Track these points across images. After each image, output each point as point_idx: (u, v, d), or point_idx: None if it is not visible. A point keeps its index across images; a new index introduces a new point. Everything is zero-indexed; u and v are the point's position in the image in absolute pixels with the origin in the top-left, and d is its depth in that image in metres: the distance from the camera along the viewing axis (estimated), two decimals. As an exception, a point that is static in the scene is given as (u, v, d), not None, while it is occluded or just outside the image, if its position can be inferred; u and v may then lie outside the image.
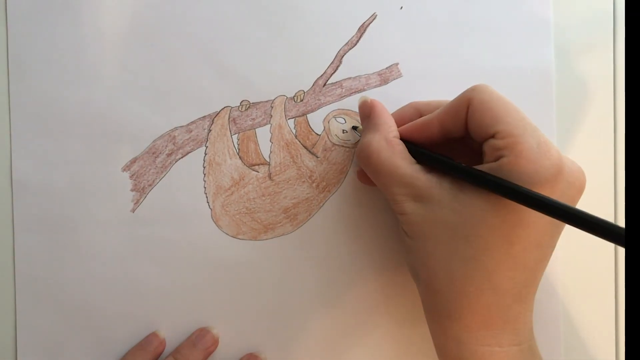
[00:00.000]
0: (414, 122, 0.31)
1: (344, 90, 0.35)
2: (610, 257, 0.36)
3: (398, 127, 0.31)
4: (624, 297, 0.35)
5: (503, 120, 0.27)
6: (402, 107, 0.33)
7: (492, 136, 0.27)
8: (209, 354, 0.34)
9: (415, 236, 0.29)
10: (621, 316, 0.36)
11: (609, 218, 0.36)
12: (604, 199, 0.36)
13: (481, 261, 0.27)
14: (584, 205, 0.35)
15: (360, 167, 0.34)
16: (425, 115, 0.31)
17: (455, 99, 0.29)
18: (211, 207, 0.35)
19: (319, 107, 0.35)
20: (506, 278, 0.27)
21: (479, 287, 0.27)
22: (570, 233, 0.35)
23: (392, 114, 0.32)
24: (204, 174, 0.35)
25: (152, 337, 0.35)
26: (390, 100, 0.34)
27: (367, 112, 0.32)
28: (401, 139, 0.31)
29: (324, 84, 0.35)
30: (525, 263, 0.27)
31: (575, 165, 0.28)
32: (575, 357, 0.36)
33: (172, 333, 0.35)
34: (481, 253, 0.27)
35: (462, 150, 0.30)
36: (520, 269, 0.27)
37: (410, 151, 0.30)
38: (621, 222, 0.36)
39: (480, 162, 0.28)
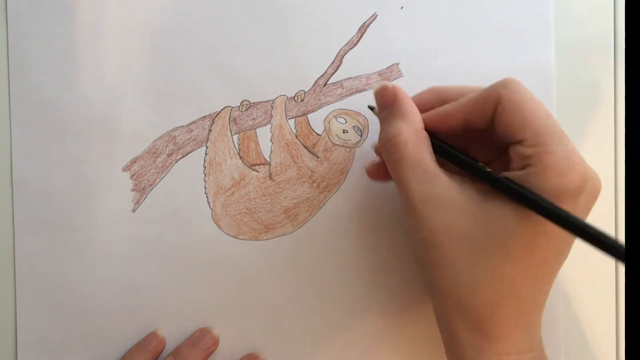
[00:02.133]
0: (436, 111, 0.29)
1: (344, 90, 0.35)
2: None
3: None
4: (623, 297, 0.35)
5: (532, 127, 0.26)
6: (423, 92, 0.31)
7: (520, 142, 0.26)
8: (209, 354, 0.34)
9: (432, 245, 0.27)
10: (621, 317, 0.36)
11: (609, 219, 0.36)
12: (604, 199, 0.36)
13: (504, 272, 0.26)
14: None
15: (371, 162, 0.33)
16: (448, 101, 0.29)
17: (483, 92, 0.27)
18: (212, 207, 0.35)
19: (320, 107, 0.35)
20: (527, 287, 0.26)
21: (502, 298, 0.26)
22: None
23: (412, 99, 0.30)
24: (205, 174, 0.35)
25: (151, 336, 0.35)
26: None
27: (390, 99, 0.29)
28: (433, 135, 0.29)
29: (325, 84, 0.35)
30: (544, 271, 0.27)
31: (594, 172, 0.26)
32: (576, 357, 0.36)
33: (172, 333, 0.35)
34: (504, 263, 0.26)
35: (482, 141, 0.29)
36: (540, 277, 0.27)
37: (434, 146, 0.28)
38: (621, 224, 0.36)
39: (500, 154, 0.28)
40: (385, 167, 0.30)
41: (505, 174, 0.26)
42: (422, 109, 0.30)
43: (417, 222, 0.27)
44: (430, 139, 0.29)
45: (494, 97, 0.27)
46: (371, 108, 0.33)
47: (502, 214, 0.26)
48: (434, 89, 0.31)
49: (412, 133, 0.28)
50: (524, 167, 0.26)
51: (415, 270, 0.35)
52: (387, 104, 0.30)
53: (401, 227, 0.35)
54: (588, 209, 0.27)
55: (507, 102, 0.26)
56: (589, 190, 0.26)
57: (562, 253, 0.27)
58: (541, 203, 0.25)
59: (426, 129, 0.29)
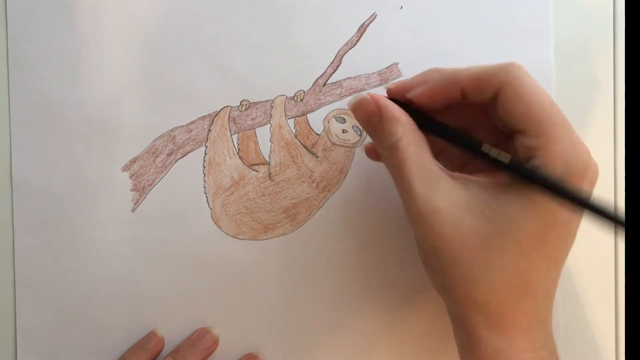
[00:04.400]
0: (435, 81, 0.28)
1: (344, 90, 0.35)
2: (610, 256, 0.36)
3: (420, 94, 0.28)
4: (623, 297, 0.35)
5: (536, 117, 0.26)
6: (424, 72, 0.29)
7: (523, 132, 0.26)
8: (209, 354, 0.34)
9: (444, 251, 0.26)
10: (621, 317, 0.36)
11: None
12: (604, 197, 0.36)
13: (518, 267, 0.26)
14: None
15: (369, 143, 0.32)
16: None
17: (486, 69, 0.27)
18: (211, 207, 0.35)
19: (319, 107, 0.35)
20: (540, 280, 0.27)
21: (518, 294, 0.26)
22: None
23: (414, 78, 0.29)
24: (204, 174, 0.35)
25: (150, 335, 0.35)
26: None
27: (373, 107, 0.28)
28: (422, 113, 0.28)
29: (324, 84, 0.35)
30: (555, 262, 0.27)
31: (594, 161, 0.27)
32: (576, 357, 0.36)
33: (171, 333, 0.35)
34: (518, 258, 0.26)
35: (485, 124, 0.29)
36: (552, 268, 0.27)
37: (437, 130, 0.28)
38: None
39: (505, 140, 0.28)
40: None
41: None
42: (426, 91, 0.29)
43: (426, 230, 0.27)
44: (436, 122, 0.28)
45: (496, 80, 0.26)
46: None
47: (511, 209, 0.26)
48: (435, 69, 0.29)
49: (412, 134, 0.27)
50: (527, 159, 0.26)
51: (415, 271, 0.35)
52: (371, 114, 0.28)
53: (401, 226, 0.35)
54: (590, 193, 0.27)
55: (510, 89, 0.26)
56: (590, 176, 0.26)
57: (569, 241, 0.27)
58: (551, 180, 0.25)
59: (425, 102, 0.28)
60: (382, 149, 0.28)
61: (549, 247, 0.26)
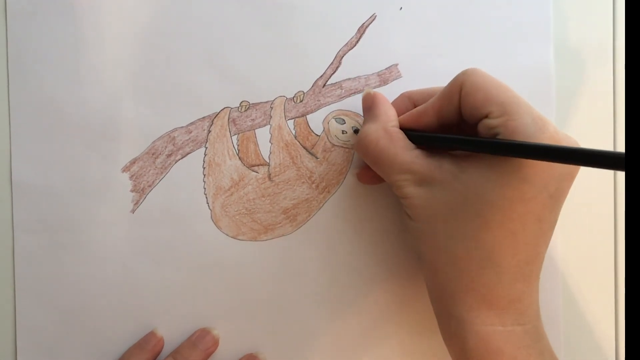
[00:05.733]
0: (410, 112, 0.31)
1: (343, 91, 0.35)
2: (610, 256, 0.36)
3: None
4: (623, 296, 0.35)
5: (495, 100, 0.27)
6: (395, 99, 0.33)
7: (486, 116, 0.27)
8: (209, 354, 0.34)
9: (418, 219, 0.29)
10: (621, 316, 0.36)
11: (609, 219, 0.36)
12: (604, 199, 0.36)
13: (482, 239, 0.27)
14: (583, 204, 0.35)
15: (360, 168, 0.34)
16: (420, 104, 0.31)
17: (447, 84, 0.29)
18: (211, 207, 0.35)
19: (319, 107, 0.35)
20: (507, 255, 0.27)
21: (480, 265, 0.27)
22: (571, 231, 0.35)
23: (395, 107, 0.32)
24: (204, 175, 0.35)
25: (150, 336, 0.35)
26: (390, 100, 0.34)
27: (369, 104, 0.32)
28: (401, 128, 0.31)
29: (324, 85, 0.35)
30: (525, 239, 0.27)
31: (572, 139, 0.27)
32: (575, 357, 0.36)
33: (171, 333, 0.35)
34: (481, 231, 0.27)
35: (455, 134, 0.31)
36: (521, 245, 0.27)
37: (410, 137, 0.30)
38: (621, 227, 0.36)
39: (466, 128, 0.29)
40: (371, 170, 0.31)
41: None
42: (398, 113, 0.32)
43: (404, 201, 0.30)
44: (408, 133, 0.30)
45: (457, 85, 0.28)
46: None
47: (478, 183, 0.27)
48: (404, 94, 0.33)
49: (382, 131, 0.30)
50: (493, 137, 0.27)
51: (415, 271, 0.35)
52: (367, 109, 0.32)
53: (400, 227, 0.35)
54: (571, 174, 0.27)
55: (469, 85, 0.28)
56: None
57: (543, 220, 0.27)
58: (507, 143, 0.25)
59: (403, 128, 0.31)
60: (357, 145, 0.31)
61: (517, 223, 0.27)
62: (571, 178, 0.28)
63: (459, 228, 0.27)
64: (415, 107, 0.32)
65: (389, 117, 0.31)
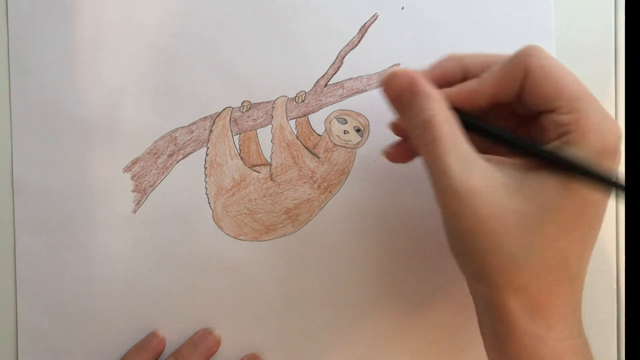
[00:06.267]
0: (461, 88, 0.27)
1: (345, 90, 0.35)
2: (610, 256, 0.36)
3: (439, 85, 0.27)
4: (624, 296, 0.35)
5: (566, 93, 0.25)
6: (442, 60, 0.29)
7: (554, 110, 0.25)
8: (211, 355, 0.34)
9: (480, 233, 0.25)
10: (621, 316, 0.36)
11: (609, 218, 0.36)
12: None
13: (558, 248, 0.25)
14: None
15: (390, 145, 0.31)
16: (469, 69, 0.28)
17: (509, 63, 0.26)
18: (212, 208, 0.35)
19: (320, 107, 0.35)
20: (577, 260, 0.26)
21: (558, 277, 0.25)
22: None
23: (432, 68, 0.29)
24: (205, 175, 0.35)
25: (151, 336, 0.35)
26: None
27: (405, 83, 0.26)
28: (466, 115, 0.27)
29: (325, 85, 0.35)
30: (590, 241, 0.26)
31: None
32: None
33: (173, 334, 0.35)
34: (559, 237, 0.25)
35: (502, 113, 0.28)
36: (587, 249, 0.26)
37: (467, 125, 0.26)
38: (621, 224, 0.36)
39: (522, 126, 0.27)
40: (408, 146, 0.28)
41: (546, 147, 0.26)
42: (444, 80, 0.28)
43: (461, 211, 0.25)
44: (483, 125, 0.27)
45: (521, 69, 0.26)
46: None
47: (549, 188, 0.25)
48: (454, 57, 0.29)
49: (446, 112, 0.26)
50: (560, 135, 0.25)
51: (418, 271, 0.35)
52: (403, 89, 0.26)
53: (403, 227, 0.35)
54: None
55: (537, 71, 0.25)
56: (621, 149, 0.26)
57: (601, 221, 0.26)
58: (588, 168, 0.24)
59: (453, 106, 0.27)
60: (414, 126, 0.26)
61: (587, 225, 0.25)
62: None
63: (536, 238, 0.24)
64: (463, 72, 0.28)
65: (443, 96, 0.26)
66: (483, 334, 0.28)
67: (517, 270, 0.25)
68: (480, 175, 0.25)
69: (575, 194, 0.25)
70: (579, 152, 0.24)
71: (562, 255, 0.25)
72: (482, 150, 0.27)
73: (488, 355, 0.28)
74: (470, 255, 0.26)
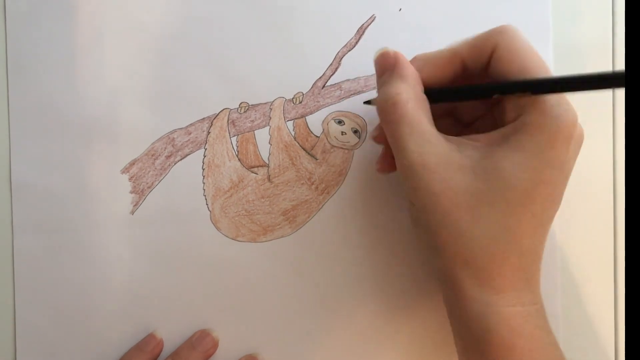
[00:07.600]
0: (433, 57, 0.30)
1: (342, 92, 0.35)
2: (610, 256, 0.36)
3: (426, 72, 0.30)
4: (623, 296, 0.35)
5: (527, 74, 0.26)
6: (440, 51, 0.30)
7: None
8: (209, 356, 0.34)
9: (433, 208, 0.27)
10: (621, 316, 0.36)
11: (608, 218, 0.36)
12: (604, 199, 0.36)
13: (506, 224, 0.26)
14: (582, 204, 0.35)
15: (380, 156, 0.32)
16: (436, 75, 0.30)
17: (480, 36, 0.28)
18: (210, 209, 0.35)
19: (318, 109, 0.35)
20: (527, 237, 0.27)
21: (506, 250, 0.27)
22: (570, 227, 0.35)
23: (428, 56, 0.31)
24: (203, 176, 0.35)
25: (149, 338, 0.35)
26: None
27: (391, 62, 0.29)
28: (430, 90, 0.29)
29: (323, 86, 0.35)
30: (542, 221, 0.27)
31: (580, 125, 0.27)
32: (575, 356, 0.36)
33: (171, 335, 0.35)
34: (507, 215, 0.26)
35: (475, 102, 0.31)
36: (539, 226, 0.27)
37: (432, 96, 0.29)
38: (620, 224, 0.36)
39: (487, 111, 0.29)
40: (391, 156, 0.30)
41: (500, 129, 0.28)
42: (437, 68, 0.30)
43: (416, 185, 0.27)
44: (445, 90, 0.29)
45: (491, 43, 0.27)
46: (368, 102, 0.32)
47: (502, 168, 0.26)
48: (417, 58, 0.31)
49: (412, 94, 0.28)
50: (518, 117, 0.27)
51: (415, 271, 0.35)
52: (387, 68, 0.29)
53: (400, 228, 0.35)
54: (576, 154, 0.28)
55: (504, 49, 0.27)
56: (577, 134, 0.27)
57: (556, 202, 0.28)
58: (552, 79, 0.26)
59: (430, 80, 0.29)
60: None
61: (537, 205, 0.27)
62: (577, 154, 0.28)
63: (484, 215, 0.26)
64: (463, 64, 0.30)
65: (418, 81, 0.29)
66: (444, 302, 0.30)
67: (466, 244, 0.27)
68: (436, 154, 0.27)
69: (527, 174, 0.26)
70: (533, 132, 0.26)
71: (511, 233, 0.26)
72: (455, 133, 0.29)
73: (450, 322, 0.30)
74: (425, 228, 0.28)
